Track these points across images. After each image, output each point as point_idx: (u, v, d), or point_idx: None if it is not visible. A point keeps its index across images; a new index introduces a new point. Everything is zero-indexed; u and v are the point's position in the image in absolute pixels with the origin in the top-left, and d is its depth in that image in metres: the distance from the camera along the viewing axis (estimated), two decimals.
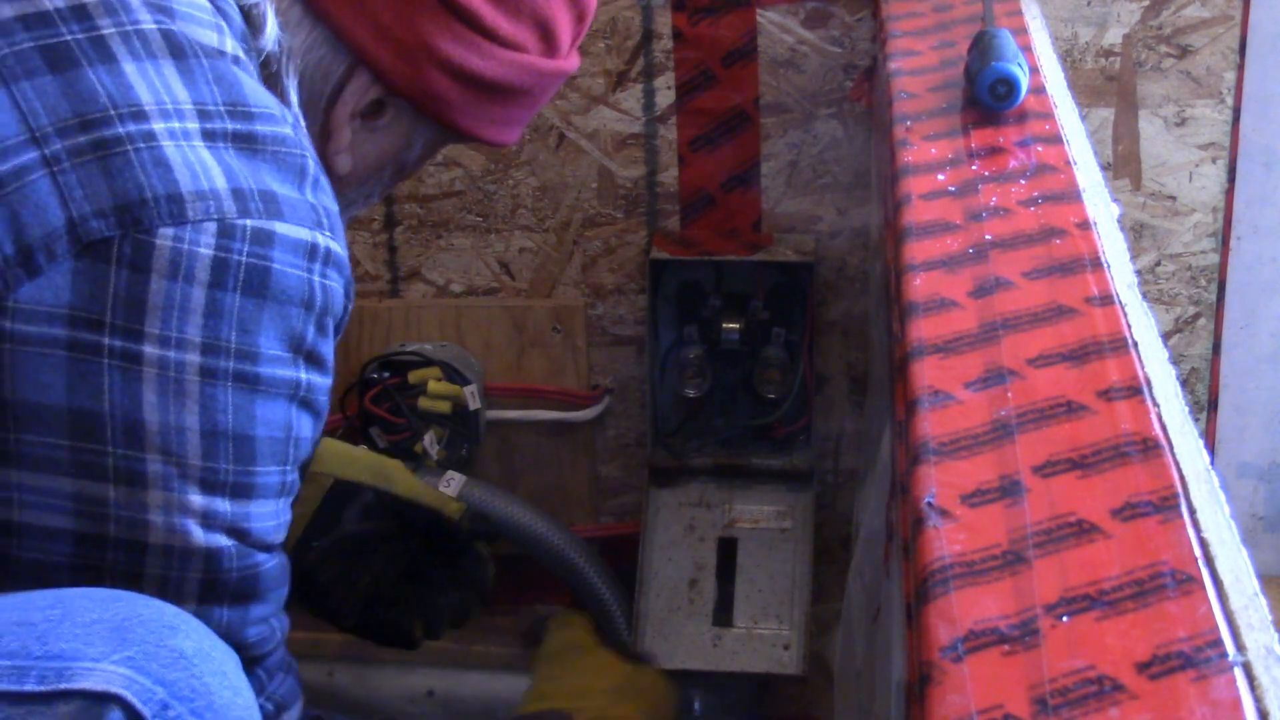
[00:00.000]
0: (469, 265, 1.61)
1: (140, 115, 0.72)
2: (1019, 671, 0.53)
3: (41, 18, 0.73)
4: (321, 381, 0.78)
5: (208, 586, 0.74)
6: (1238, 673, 0.52)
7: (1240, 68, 1.50)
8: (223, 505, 0.74)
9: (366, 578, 1.16)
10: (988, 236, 0.86)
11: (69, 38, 0.73)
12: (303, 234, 0.75)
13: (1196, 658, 0.53)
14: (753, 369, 1.58)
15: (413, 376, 1.57)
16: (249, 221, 0.72)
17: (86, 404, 0.69)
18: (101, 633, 0.63)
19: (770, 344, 1.57)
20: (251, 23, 0.81)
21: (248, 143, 0.75)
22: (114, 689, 0.62)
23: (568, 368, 1.64)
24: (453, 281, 1.62)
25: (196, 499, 0.72)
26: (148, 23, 0.75)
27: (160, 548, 0.72)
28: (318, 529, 1.17)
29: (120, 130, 0.71)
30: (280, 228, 0.74)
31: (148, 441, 0.71)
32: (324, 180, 0.79)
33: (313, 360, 0.76)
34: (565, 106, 1.54)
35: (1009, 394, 0.70)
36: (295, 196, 0.75)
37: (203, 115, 0.74)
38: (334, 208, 0.79)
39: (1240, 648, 0.53)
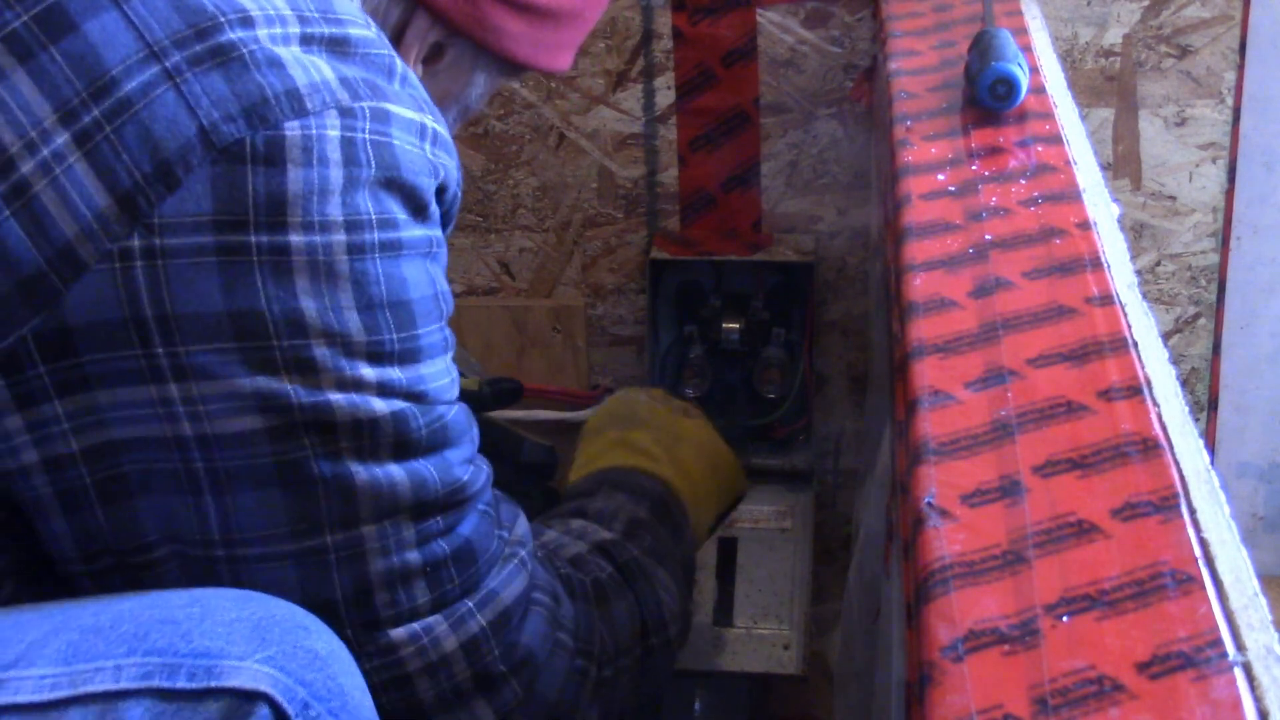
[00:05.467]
0: (469, 265, 1.61)
1: (247, 21, 0.72)
2: (1019, 671, 0.53)
3: None
4: (443, 237, 0.80)
5: (400, 447, 0.76)
6: (1238, 673, 0.52)
7: (1240, 68, 1.50)
8: (395, 373, 0.75)
9: None
10: (988, 236, 0.86)
11: None
12: (412, 114, 0.76)
13: (1196, 658, 0.53)
14: (753, 369, 1.58)
15: None
16: (364, 103, 0.74)
17: (244, 304, 0.70)
18: (243, 631, 0.65)
19: (770, 344, 1.57)
20: None
21: (340, 46, 0.76)
22: (262, 688, 0.63)
23: (568, 368, 1.64)
24: (452, 281, 1.62)
25: (369, 372, 0.74)
26: None
27: (349, 424, 0.74)
28: None
29: (232, 35, 0.71)
30: (392, 108, 0.75)
31: (309, 328, 0.72)
32: (412, 76, 0.80)
33: (433, 219, 0.78)
34: (565, 106, 1.54)
35: (1009, 394, 0.70)
36: (394, 88, 0.77)
37: (302, 20, 0.75)
38: (428, 99, 0.80)
39: (1240, 648, 0.53)
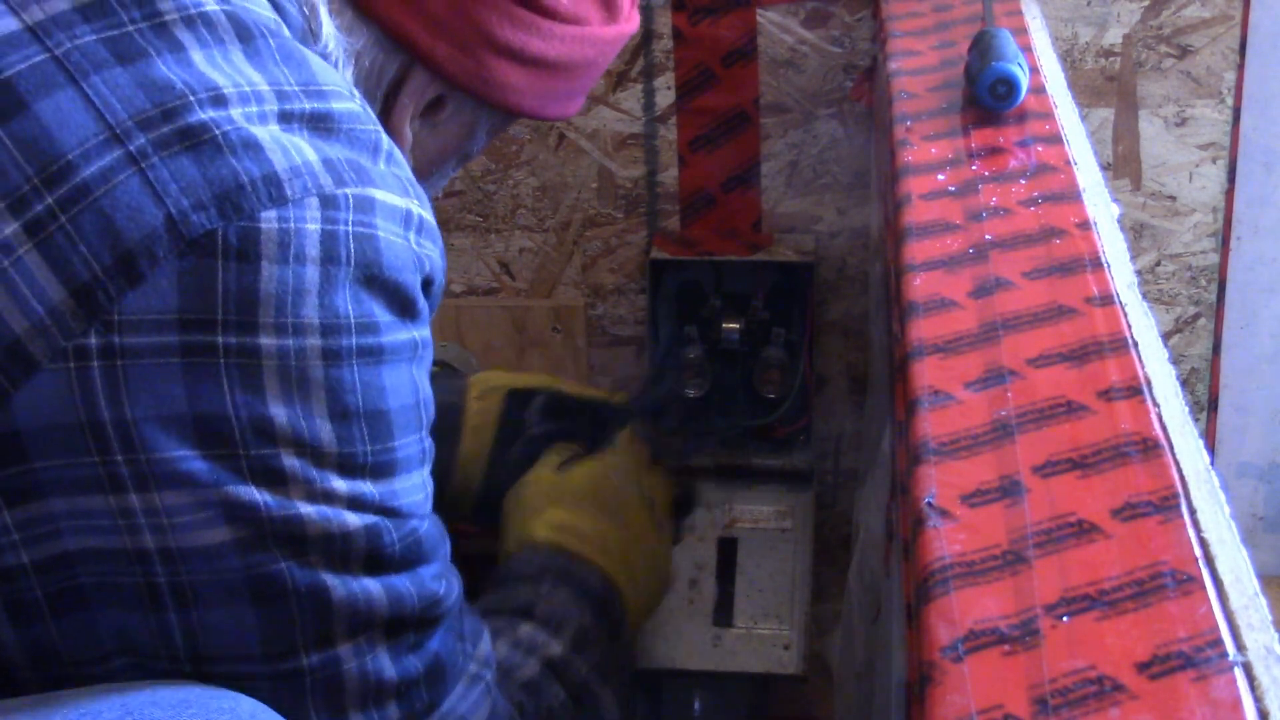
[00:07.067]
0: (469, 265, 1.61)
1: (220, 99, 0.67)
2: (1019, 671, 0.53)
3: (100, 6, 0.68)
4: (429, 336, 0.75)
5: (373, 562, 0.71)
6: (1238, 673, 0.52)
7: (1240, 68, 1.50)
8: (368, 487, 0.70)
9: None
10: (988, 236, 0.86)
11: (131, 28, 0.68)
12: (398, 201, 0.71)
13: (1196, 658, 0.53)
14: (753, 369, 1.58)
15: None
16: (348, 190, 0.68)
17: (210, 408, 0.65)
18: None
19: (770, 344, 1.56)
20: (310, 25, 0.78)
21: (323, 122, 0.70)
22: None
23: (568, 368, 1.64)
24: (452, 281, 1.62)
25: (340, 485, 0.69)
26: (210, 4, 0.71)
27: (320, 537, 0.69)
28: (505, 437, 1.16)
29: (203, 116, 0.66)
30: (377, 194, 0.70)
31: (279, 436, 0.67)
32: (397, 154, 0.75)
33: (420, 317, 0.73)
34: None
35: (1009, 394, 0.70)
36: (379, 169, 0.72)
37: (280, 96, 0.69)
38: (414, 179, 0.75)
39: (1240, 648, 0.53)
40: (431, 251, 0.73)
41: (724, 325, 1.56)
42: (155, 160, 0.65)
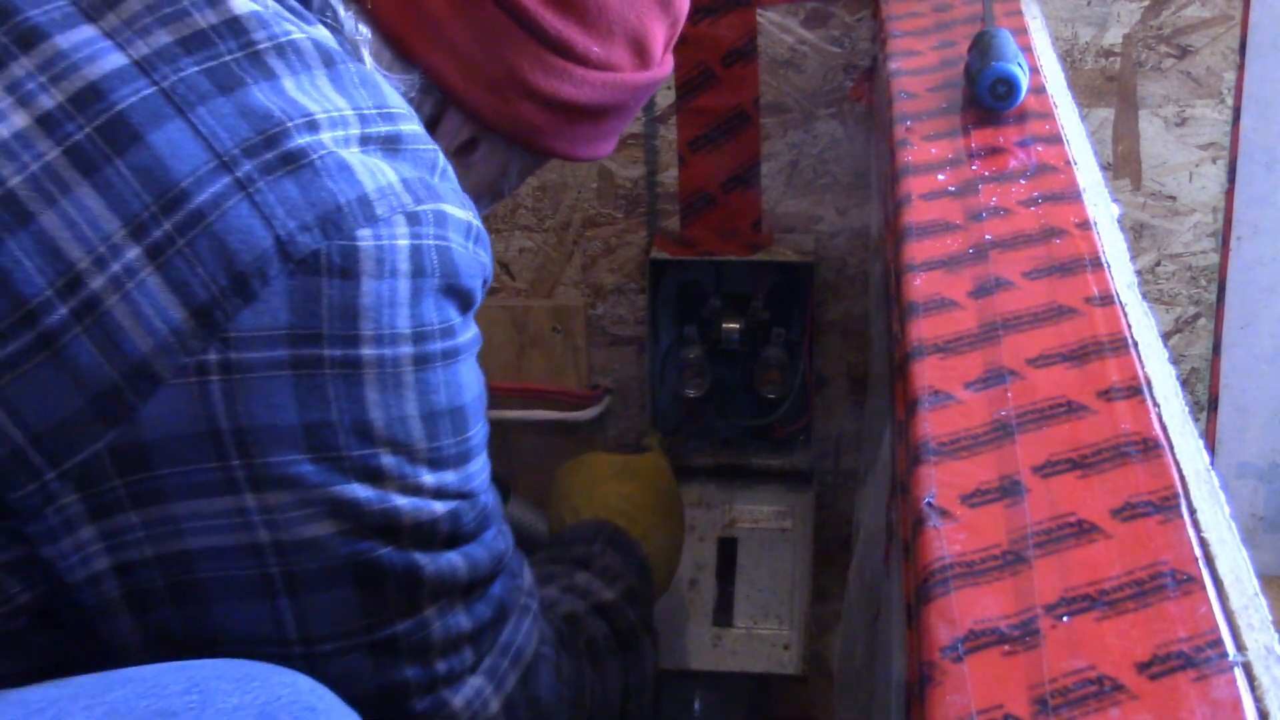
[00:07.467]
0: None
1: (313, 125, 0.72)
2: (1019, 671, 0.53)
3: (199, 38, 0.72)
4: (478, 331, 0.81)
5: (454, 539, 0.78)
6: (1238, 673, 0.52)
7: (1240, 68, 1.50)
8: (450, 477, 0.76)
9: None
10: (988, 236, 0.86)
11: (228, 58, 0.72)
12: (461, 214, 0.76)
13: (1196, 658, 0.53)
14: (753, 369, 1.58)
15: None
16: (426, 206, 0.74)
17: (316, 416, 0.70)
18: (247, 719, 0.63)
19: (770, 344, 1.57)
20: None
21: (394, 143, 0.75)
22: None
23: (568, 368, 1.64)
24: None
25: (429, 478, 0.75)
26: (296, 32, 0.75)
27: (412, 525, 0.75)
28: None
29: (300, 141, 0.71)
30: (448, 209, 0.75)
31: (377, 437, 0.72)
32: (450, 170, 0.79)
33: (474, 314, 0.79)
34: None
35: (1009, 394, 0.70)
36: (441, 184, 0.77)
37: (361, 120, 0.74)
38: (465, 193, 0.80)
39: (1240, 648, 0.53)
40: (485, 258, 0.79)
41: (724, 325, 1.56)
42: (261, 185, 0.69)
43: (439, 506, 0.76)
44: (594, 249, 1.60)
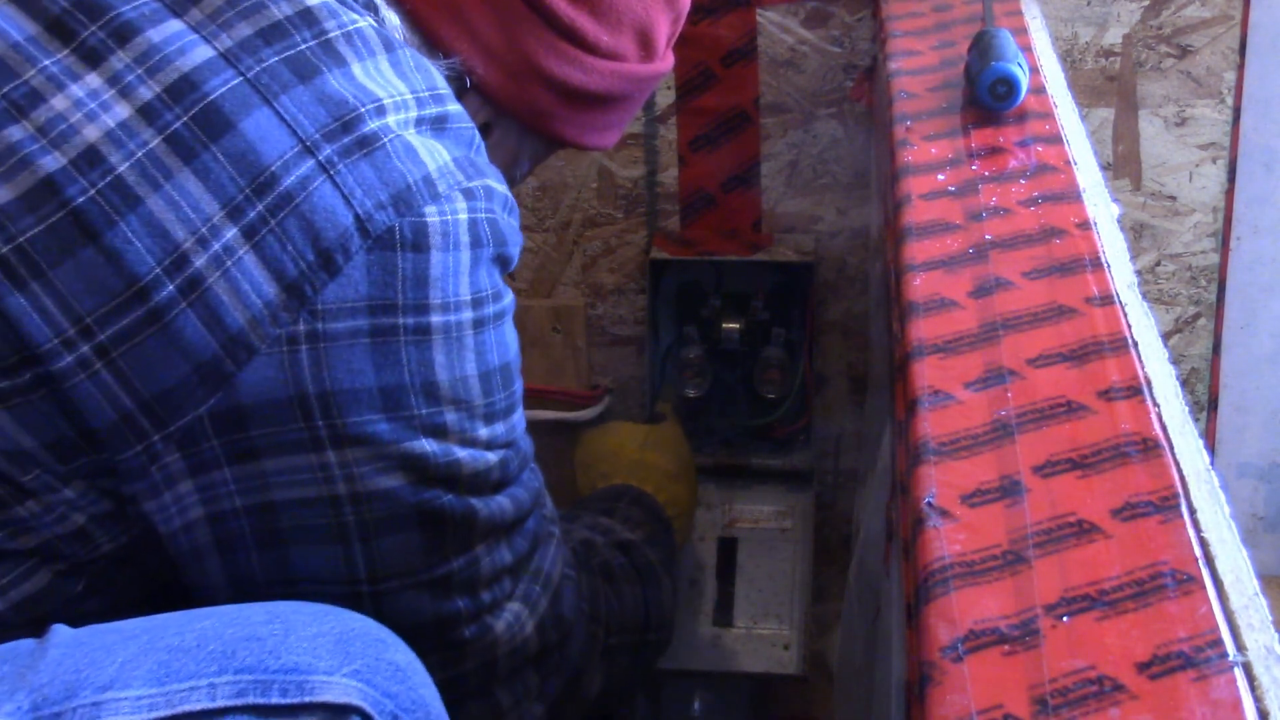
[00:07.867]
0: None
1: (381, 110, 0.78)
2: (1019, 671, 0.53)
3: (277, 29, 0.78)
4: None
5: (502, 484, 0.85)
6: (1238, 673, 0.52)
7: (1240, 68, 1.50)
8: (500, 428, 0.84)
9: None
10: (988, 236, 0.86)
11: (304, 46, 0.78)
12: (500, 188, 0.83)
13: (1196, 658, 0.53)
14: (753, 369, 1.58)
15: None
16: (476, 182, 0.80)
17: (391, 380, 0.77)
18: (327, 646, 0.68)
19: (770, 344, 1.56)
20: None
21: (442, 124, 0.81)
22: (353, 701, 0.66)
23: (568, 368, 1.64)
24: None
25: (484, 431, 0.82)
26: (360, 20, 0.81)
27: (470, 474, 0.82)
28: None
29: (373, 125, 0.77)
30: (493, 184, 0.82)
31: (443, 397, 0.79)
32: (484, 147, 0.85)
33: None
34: None
35: (1009, 394, 0.70)
36: (481, 160, 0.83)
37: (419, 102, 0.80)
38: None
39: (1240, 648, 0.53)
40: (518, 227, 0.86)
41: (724, 325, 1.56)
42: (341, 168, 0.75)
43: (492, 456, 0.83)
44: (594, 249, 1.60)
